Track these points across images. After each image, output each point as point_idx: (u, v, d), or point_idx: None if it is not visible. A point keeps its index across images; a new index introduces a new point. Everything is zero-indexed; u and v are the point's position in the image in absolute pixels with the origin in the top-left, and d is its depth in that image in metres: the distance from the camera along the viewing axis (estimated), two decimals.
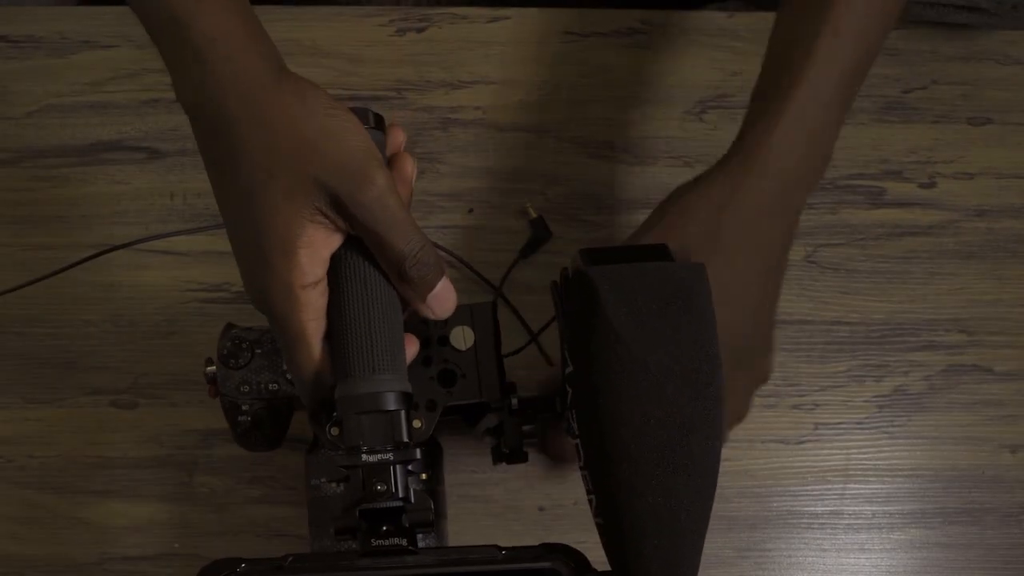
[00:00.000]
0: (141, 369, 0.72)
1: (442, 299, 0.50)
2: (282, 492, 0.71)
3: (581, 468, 0.49)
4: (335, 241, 0.49)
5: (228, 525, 0.70)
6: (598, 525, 0.48)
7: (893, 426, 0.74)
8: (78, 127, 0.76)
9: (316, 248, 0.48)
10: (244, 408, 0.57)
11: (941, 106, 0.79)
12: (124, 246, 0.72)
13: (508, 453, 0.57)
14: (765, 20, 0.79)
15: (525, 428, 0.57)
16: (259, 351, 0.57)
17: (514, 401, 0.55)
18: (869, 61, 0.60)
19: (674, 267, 0.48)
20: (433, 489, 0.59)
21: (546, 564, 0.46)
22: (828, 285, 0.75)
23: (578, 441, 0.49)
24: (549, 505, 0.71)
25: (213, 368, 0.57)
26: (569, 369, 0.49)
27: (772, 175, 0.57)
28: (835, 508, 0.72)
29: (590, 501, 0.48)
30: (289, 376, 0.56)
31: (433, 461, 0.59)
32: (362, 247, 0.49)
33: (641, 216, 0.75)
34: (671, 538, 0.46)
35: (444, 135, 0.77)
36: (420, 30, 0.79)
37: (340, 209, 0.47)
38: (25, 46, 0.77)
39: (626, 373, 0.46)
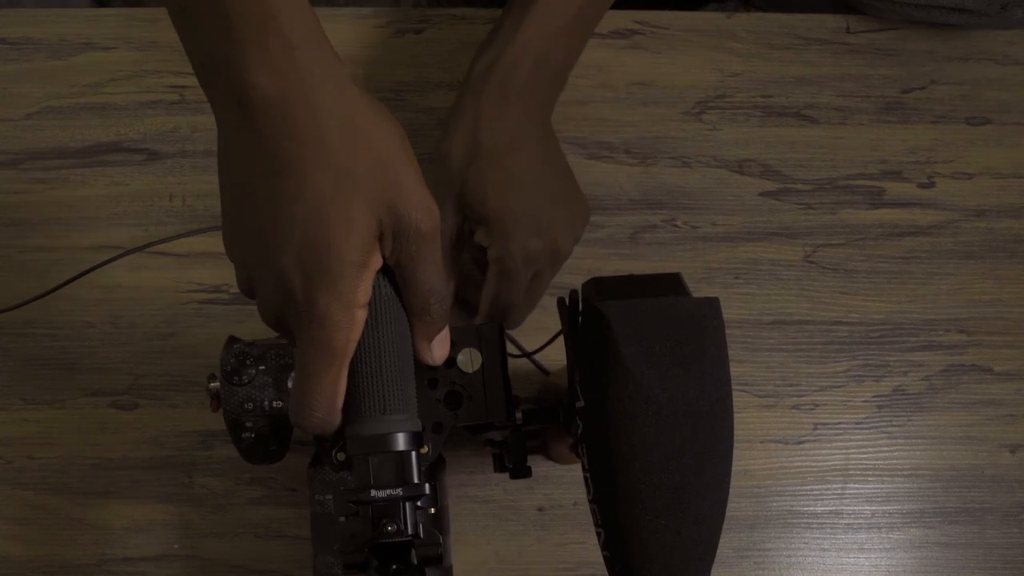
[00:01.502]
0: (141, 370, 0.72)
1: (444, 343, 0.50)
2: (282, 493, 0.71)
3: (591, 502, 0.49)
4: (378, 265, 0.47)
5: (228, 526, 0.70)
6: (605, 558, 0.48)
7: (892, 426, 0.74)
8: (77, 129, 0.76)
9: (374, 268, 0.46)
10: (248, 425, 0.56)
11: (940, 106, 0.79)
12: (126, 254, 0.72)
13: (512, 468, 0.57)
14: (764, 21, 0.80)
15: (529, 444, 0.56)
16: (263, 367, 0.56)
17: (519, 415, 0.55)
18: None
19: (687, 302, 0.48)
20: (438, 506, 0.58)
21: None
22: (827, 285, 0.75)
23: (588, 475, 0.49)
24: (549, 506, 0.71)
25: (216, 384, 0.56)
26: (580, 404, 0.49)
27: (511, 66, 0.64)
28: (834, 508, 0.72)
29: (598, 534, 0.49)
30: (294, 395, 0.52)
31: (437, 475, 0.59)
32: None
33: (641, 216, 0.76)
34: (680, 569, 0.46)
35: None
36: (418, 31, 0.79)
37: (396, 234, 0.46)
38: (24, 48, 0.77)
39: (639, 413, 0.46)
